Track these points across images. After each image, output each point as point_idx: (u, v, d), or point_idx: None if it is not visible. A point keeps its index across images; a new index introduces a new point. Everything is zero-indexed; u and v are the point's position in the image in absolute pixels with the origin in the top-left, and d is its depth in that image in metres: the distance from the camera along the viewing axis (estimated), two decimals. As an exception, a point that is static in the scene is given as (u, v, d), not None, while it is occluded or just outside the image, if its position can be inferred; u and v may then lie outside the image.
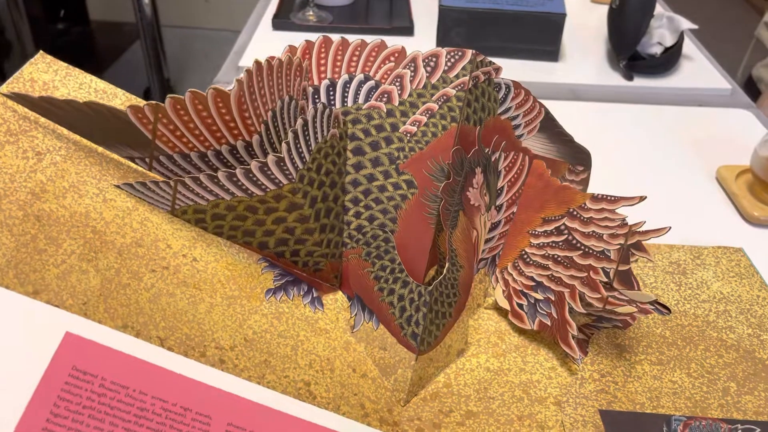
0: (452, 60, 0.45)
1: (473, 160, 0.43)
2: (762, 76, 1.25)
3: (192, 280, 0.39)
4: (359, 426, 0.37)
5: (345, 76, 0.45)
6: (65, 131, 0.41)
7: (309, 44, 0.44)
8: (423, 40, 0.88)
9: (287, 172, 0.39)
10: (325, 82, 0.44)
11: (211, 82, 0.76)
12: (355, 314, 0.42)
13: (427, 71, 0.45)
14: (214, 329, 0.37)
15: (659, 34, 0.79)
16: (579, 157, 0.51)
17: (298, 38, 0.85)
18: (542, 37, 0.82)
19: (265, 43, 0.86)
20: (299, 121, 0.39)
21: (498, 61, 0.82)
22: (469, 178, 0.43)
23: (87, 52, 2.03)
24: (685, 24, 0.80)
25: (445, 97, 0.44)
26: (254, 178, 0.39)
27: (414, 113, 0.44)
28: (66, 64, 0.45)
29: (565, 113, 0.72)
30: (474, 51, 0.45)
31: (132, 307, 0.35)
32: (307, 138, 0.40)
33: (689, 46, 0.87)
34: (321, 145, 0.41)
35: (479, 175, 0.44)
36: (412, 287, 0.40)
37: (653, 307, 0.47)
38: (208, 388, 0.34)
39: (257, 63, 0.39)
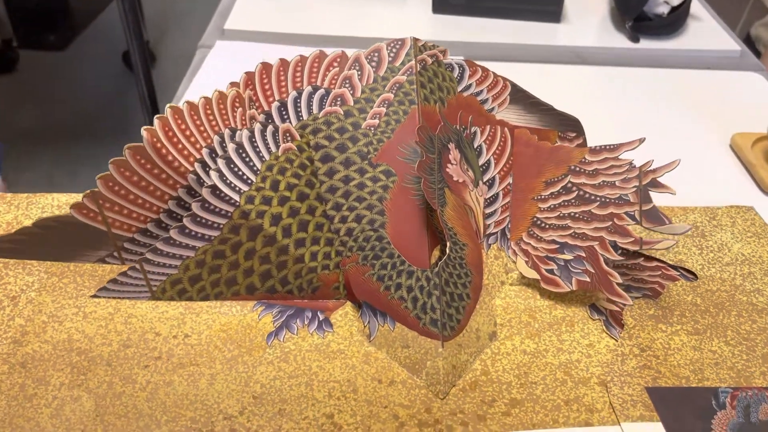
0: (394, 50, 0.46)
1: (443, 136, 0.43)
2: (761, 35, 1.25)
3: (187, 358, 0.38)
4: None
5: (293, 93, 0.45)
6: (35, 262, 0.42)
7: (249, 75, 0.45)
8: (419, 4, 0.83)
9: (228, 199, 0.39)
10: (275, 104, 0.45)
11: (195, 47, 0.69)
12: (368, 322, 0.40)
13: (372, 66, 0.45)
14: (219, 400, 0.36)
15: (666, -7, 0.77)
16: (566, 124, 0.50)
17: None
18: (543, -5, 0.79)
19: (252, 4, 0.79)
20: (231, 145, 0.40)
21: (498, 22, 0.80)
22: (445, 155, 0.42)
23: (61, 14, 1.87)
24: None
25: (397, 85, 0.45)
26: (202, 220, 0.39)
27: (371, 107, 0.44)
28: (26, 194, 0.47)
29: (568, 77, 0.70)
30: (413, 37, 0.46)
31: (130, 415, 0.35)
32: (247, 159, 0.40)
33: (696, 6, 0.86)
34: (271, 162, 0.41)
35: (454, 151, 0.43)
36: (418, 275, 0.39)
37: (680, 274, 0.45)
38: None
39: (171, 108, 0.40)
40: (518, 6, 0.79)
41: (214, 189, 0.39)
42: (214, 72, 0.66)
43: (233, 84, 0.44)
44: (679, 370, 0.39)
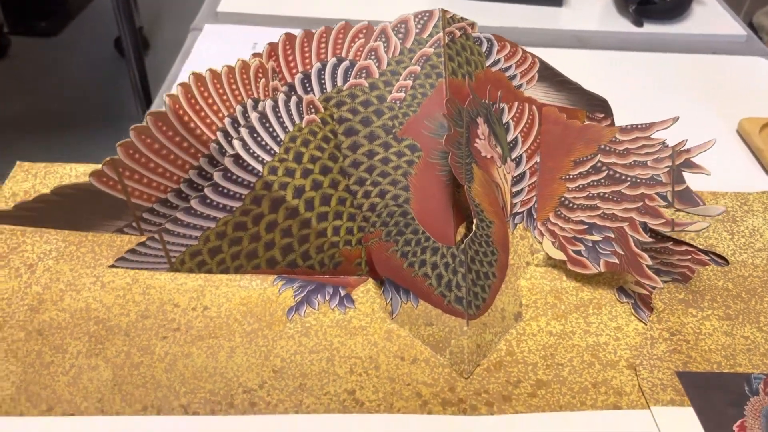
0: (422, 22, 0.45)
1: (471, 110, 0.42)
2: (763, 23, 1.22)
3: (206, 331, 0.37)
4: (418, 418, 0.34)
5: (318, 64, 0.44)
6: (53, 231, 0.42)
7: (272, 46, 0.44)
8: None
9: (251, 169, 0.38)
10: (299, 75, 0.43)
11: (187, 30, 0.68)
12: (391, 299, 0.39)
13: (399, 38, 0.44)
14: (239, 373, 0.35)
15: (671, -25, 0.75)
16: (594, 104, 0.49)
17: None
18: (545, -22, 0.77)
19: None
20: (254, 114, 0.39)
21: (500, 6, 0.78)
22: (473, 129, 0.41)
23: (46, 4, 1.86)
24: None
25: (425, 57, 0.43)
26: (224, 190, 0.39)
27: (397, 80, 0.43)
28: (44, 164, 0.46)
29: (570, 62, 0.69)
30: (442, 8, 0.45)
31: (149, 386, 0.34)
32: (270, 130, 0.39)
33: None
34: (295, 134, 0.40)
35: (483, 126, 0.42)
36: (443, 251, 0.38)
37: (710, 258, 0.44)
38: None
39: (194, 75, 0.39)
40: None
41: (236, 158, 0.38)
42: (207, 55, 0.64)
43: (255, 55, 0.43)
44: (711, 356, 0.38)
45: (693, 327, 0.40)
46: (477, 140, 0.40)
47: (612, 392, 0.36)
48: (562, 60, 0.68)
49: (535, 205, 0.44)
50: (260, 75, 0.42)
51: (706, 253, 0.45)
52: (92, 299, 0.38)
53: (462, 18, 0.46)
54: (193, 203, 0.38)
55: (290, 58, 0.43)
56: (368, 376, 0.36)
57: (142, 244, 0.39)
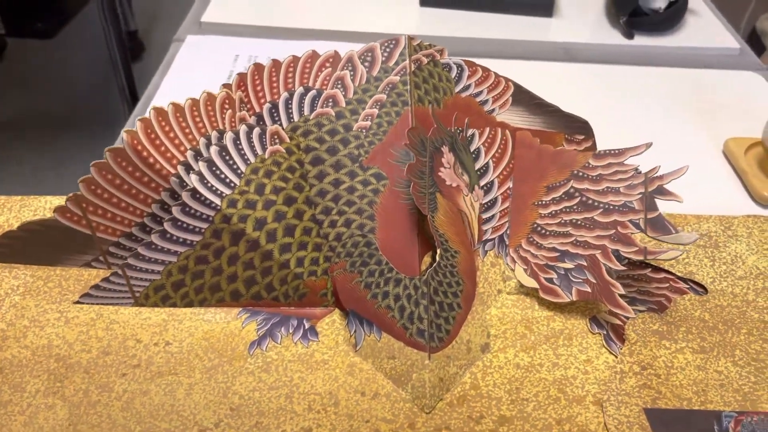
0: (388, 49, 0.44)
1: (436, 139, 0.41)
2: (766, 29, 1.19)
3: (167, 367, 0.37)
4: None
5: (285, 94, 0.44)
6: (22, 266, 0.42)
7: (241, 76, 0.44)
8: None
9: (209, 203, 0.39)
10: (267, 105, 0.43)
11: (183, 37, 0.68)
12: (354, 331, 0.39)
13: (365, 66, 0.44)
14: (196, 411, 0.35)
15: (664, -13, 0.74)
16: (574, 126, 0.47)
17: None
18: (537, -12, 0.76)
19: None
20: (213, 148, 0.39)
21: (489, 16, 0.78)
22: (437, 158, 0.41)
23: (50, 1, 1.88)
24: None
25: (391, 85, 0.43)
26: (183, 224, 0.39)
27: (364, 108, 0.43)
28: (20, 197, 0.46)
29: (556, 75, 0.67)
30: (408, 36, 0.45)
31: (104, 425, 0.34)
32: (230, 162, 0.40)
33: (695, 0, 0.81)
34: (257, 165, 0.40)
35: (448, 154, 0.42)
36: (405, 283, 0.38)
37: (689, 287, 0.43)
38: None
39: (155, 109, 0.39)
40: None
41: (194, 192, 0.38)
42: (188, 68, 0.64)
43: (225, 86, 0.43)
44: (681, 391, 0.37)
45: (665, 360, 0.39)
46: (442, 169, 0.40)
47: (576, 430, 0.35)
48: (549, 74, 0.68)
49: (508, 232, 0.44)
50: (227, 106, 0.42)
51: (685, 281, 0.44)
52: (55, 335, 0.38)
53: (430, 45, 0.45)
54: (154, 238, 0.38)
55: (258, 88, 0.43)
56: (326, 414, 0.35)
57: (106, 279, 0.40)
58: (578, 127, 0.48)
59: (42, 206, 0.46)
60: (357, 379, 0.37)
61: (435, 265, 0.38)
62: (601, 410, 0.36)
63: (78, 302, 0.40)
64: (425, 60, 0.45)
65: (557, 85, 0.67)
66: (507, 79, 0.47)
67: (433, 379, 0.36)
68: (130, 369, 0.37)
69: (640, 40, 0.74)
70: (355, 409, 0.35)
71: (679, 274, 0.44)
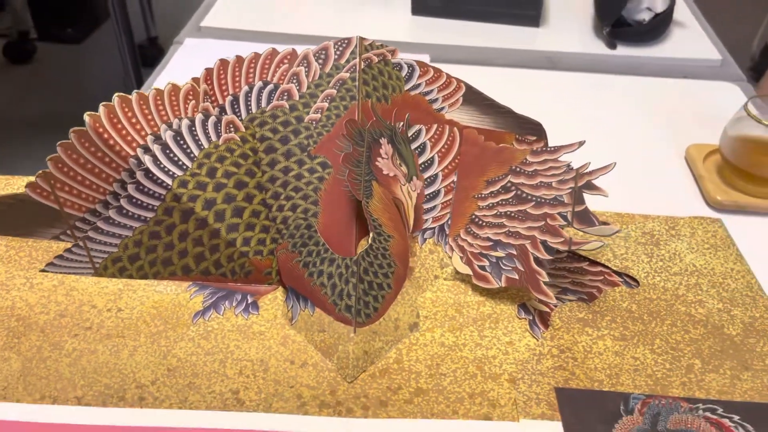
0: (340, 48, 0.48)
1: (373, 131, 0.44)
2: None
3: (116, 330, 0.41)
4: (292, 418, 0.36)
5: (246, 87, 0.48)
6: None
7: (208, 70, 0.48)
8: (398, 5, 0.84)
9: (161, 182, 0.42)
10: (229, 98, 0.47)
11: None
12: (291, 306, 0.42)
13: (319, 63, 0.48)
14: (136, 370, 0.38)
15: (649, -1, 0.75)
16: (526, 127, 0.50)
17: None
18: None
19: (233, 2, 0.82)
20: (168, 133, 0.43)
21: (477, 25, 0.80)
22: (375, 149, 0.44)
23: (80, 7, 1.97)
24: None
25: (341, 81, 0.47)
26: (138, 201, 0.42)
27: (315, 102, 0.47)
28: (5, 176, 0.50)
29: (539, 82, 0.70)
30: (360, 36, 0.48)
31: (51, 378, 0.38)
32: (184, 146, 0.43)
33: (683, 12, 0.83)
34: (210, 150, 0.44)
35: (386, 146, 0.45)
36: (339, 263, 0.41)
37: (621, 280, 0.45)
38: (125, 430, 0.35)
39: (119, 96, 0.43)
40: (497, 9, 0.79)
41: (147, 172, 0.42)
42: (182, 70, 0.68)
43: (194, 79, 0.47)
44: (595, 374, 0.39)
45: (584, 345, 0.41)
46: (379, 159, 0.43)
47: (486, 403, 0.37)
48: (532, 80, 0.70)
49: (449, 222, 0.46)
50: (190, 97, 0.45)
51: (619, 274, 0.46)
52: (19, 298, 0.42)
53: (381, 45, 0.48)
54: (112, 213, 0.42)
55: (222, 81, 0.47)
56: (255, 378, 0.38)
57: (69, 250, 0.43)
58: (530, 129, 0.50)
59: (22, 186, 0.49)
60: (288, 350, 0.40)
61: (367, 247, 0.41)
62: (513, 387, 0.38)
63: (43, 270, 0.44)
64: (375, 59, 0.48)
65: (538, 91, 0.69)
66: (459, 80, 0.50)
67: (357, 352, 0.39)
68: (82, 330, 0.40)
69: (623, 51, 0.76)
70: (283, 376, 0.38)
71: (615, 269, 0.46)
